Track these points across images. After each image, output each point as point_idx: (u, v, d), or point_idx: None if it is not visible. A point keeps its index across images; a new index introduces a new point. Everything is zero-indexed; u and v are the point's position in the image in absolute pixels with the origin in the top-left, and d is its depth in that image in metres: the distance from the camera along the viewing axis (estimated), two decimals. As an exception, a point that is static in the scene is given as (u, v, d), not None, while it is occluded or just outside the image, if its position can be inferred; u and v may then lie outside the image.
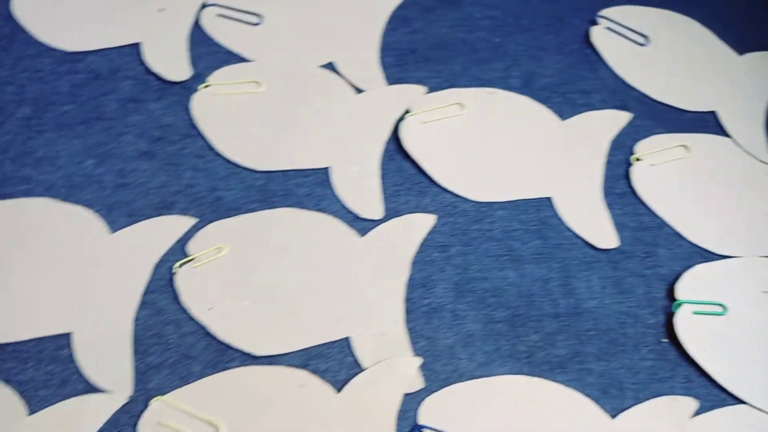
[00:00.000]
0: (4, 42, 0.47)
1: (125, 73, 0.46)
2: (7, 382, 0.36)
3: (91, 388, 0.36)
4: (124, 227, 0.40)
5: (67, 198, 0.41)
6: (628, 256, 0.41)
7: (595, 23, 0.51)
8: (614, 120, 0.46)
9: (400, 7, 0.50)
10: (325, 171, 0.43)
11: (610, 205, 0.42)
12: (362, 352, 0.37)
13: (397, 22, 0.50)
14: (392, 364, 0.37)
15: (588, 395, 0.36)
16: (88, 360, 0.37)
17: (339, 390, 0.36)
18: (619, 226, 0.42)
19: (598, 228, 0.41)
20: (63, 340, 0.37)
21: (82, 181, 0.42)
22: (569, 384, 0.37)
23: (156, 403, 0.36)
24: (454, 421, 0.36)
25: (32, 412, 0.35)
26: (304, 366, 0.37)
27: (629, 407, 0.36)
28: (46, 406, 0.35)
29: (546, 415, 0.36)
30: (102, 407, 0.36)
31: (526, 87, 0.47)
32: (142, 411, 0.35)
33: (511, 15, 0.51)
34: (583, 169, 0.44)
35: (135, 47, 0.47)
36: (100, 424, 0.35)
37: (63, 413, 0.35)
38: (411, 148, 0.43)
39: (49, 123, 0.44)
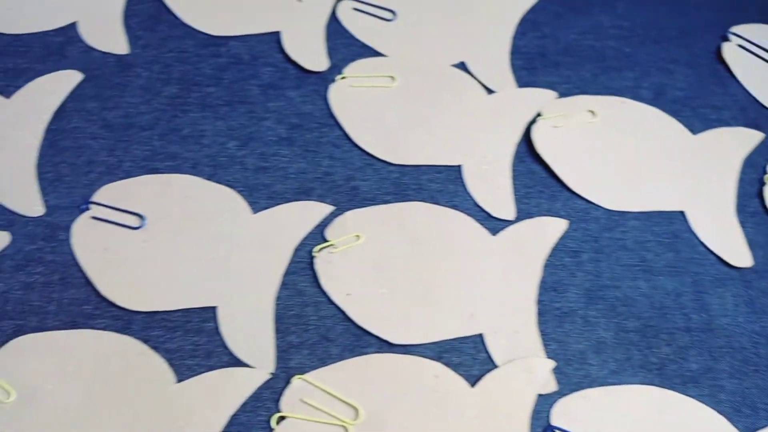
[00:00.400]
0: (150, 22, 0.49)
1: (265, 60, 0.47)
2: (155, 349, 0.38)
3: (234, 362, 0.38)
4: (265, 209, 0.42)
5: (211, 177, 0.43)
6: (761, 276, 0.41)
7: (726, 39, 0.51)
8: (746, 138, 0.46)
9: (530, 11, 0.51)
10: (457, 168, 0.44)
11: (743, 224, 0.43)
12: (496, 349, 0.38)
13: (527, 26, 0.50)
14: (528, 364, 0.38)
15: (720, 412, 0.37)
16: (231, 334, 0.38)
17: (473, 384, 0.37)
18: (752, 245, 0.42)
19: (731, 245, 0.42)
20: (208, 313, 0.39)
21: (225, 162, 0.43)
22: (701, 399, 0.37)
23: (298, 381, 0.37)
24: (585, 425, 0.36)
25: (180, 380, 0.37)
26: (437, 358, 0.38)
27: (762, 427, 0.37)
28: (192, 375, 0.37)
29: (678, 428, 0.36)
30: (246, 381, 0.37)
31: (657, 99, 0.47)
32: (283, 388, 0.37)
33: (640, 25, 0.51)
34: (715, 185, 0.44)
35: (274, 35, 0.49)
36: (245, 398, 0.37)
37: (209, 384, 0.37)
38: (543, 151, 0.44)
39: (194, 103, 0.45)
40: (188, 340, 0.38)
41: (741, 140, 0.46)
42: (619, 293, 0.40)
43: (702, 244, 0.42)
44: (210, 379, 0.37)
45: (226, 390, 0.37)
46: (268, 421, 0.36)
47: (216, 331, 0.38)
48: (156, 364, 0.38)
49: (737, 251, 0.41)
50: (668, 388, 0.37)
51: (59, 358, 0.37)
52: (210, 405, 0.36)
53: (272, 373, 0.37)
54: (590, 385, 0.37)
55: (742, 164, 0.45)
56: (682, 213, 0.43)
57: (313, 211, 0.42)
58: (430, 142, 0.45)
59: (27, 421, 0.36)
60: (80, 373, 0.37)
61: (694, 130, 0.46)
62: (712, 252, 0.41)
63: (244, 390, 0.37)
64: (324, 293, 0.40)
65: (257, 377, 0.37)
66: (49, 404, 0.36)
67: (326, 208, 0.42)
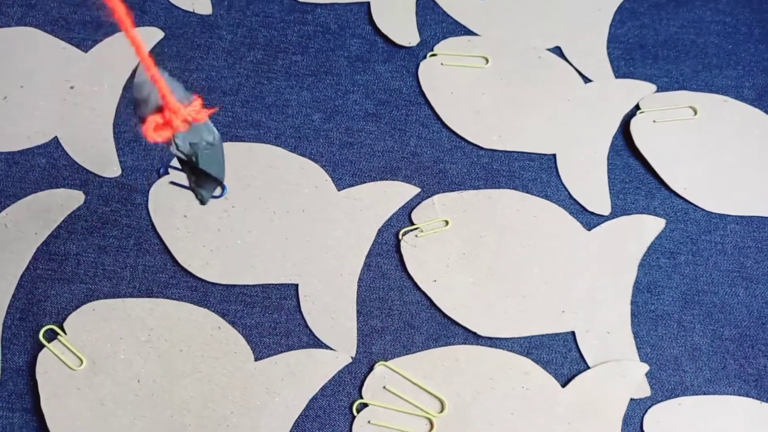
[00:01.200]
0: (235, -16, 0.47)
1: (353, 31, 0.46)
2: (233, 324, 0.37)
3: (314, 343, 0.37)
4: (350, 186, 0.41)
5: (295, 148, 0.42)
6: None
7: (833, 41, 0.49)
8: None
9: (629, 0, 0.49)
10: (551, 157, 0.42)
11: None
12: (587, 349, 0.37)
13: (625, 14, 0.48)
14: (622, 366, 0.36)
15: (821, 430, 0.36)
16: (312, 314, 0.37)
17: (564, 384, 0.36)
18: None
19: (835, 258, 0.40)
20: (289, 291, 0.38)
21: (310, 134, 0.42)
22: (802, 416, 0.36)
23: (381, 368, 0.36)
24: (679, 433, 0.35)
25: (258, 357, 0.36)
26: (526, 354, 0.37)
27: None
28: (271, 354, 0.36)
29: (776, 443, 0.35)
30: (328, 364, 0.36)
31: (760, 99, 0.45)
32: (365, 373, 0.36)
33: (744, 23, 0.49)
34: (820, 194, 0.42)
35: (364, 6, 0.47)
36: (326, 380, 0.36)
37: (290, 363, 0.36)
38: (642, 146, 0.42)
39: (279, 71, 0.44)
40: (267, 317, 0.37)
41: None
42: (716, 299, 0.39)
43: (806, 254, 0.40)
44: (291, 359, 0.36)
45: (307, 372, 0.36)
46: (350, 407, 0.35)
47: (296, 310, 0.37)
48: (234, 339, 0.37)
49: (843, 265, 0.40)
50: (765, 401, 0.36)
51: (132, 327, 0.37)
52: (290, 386, 0.36)
53: (353, 358, 0.37)
54: (684, 393, 0.36)
55: None
56: (785, 220, 0.41)
57: (400, 191, 0.41)
58: (523, 128, 0.43)
59: (97, 390, 0.35)
60: (154, 343, 0.36)
61: (798, 134, 0.44)
62: (815, 263, 0.40)
63: (325, 373, 0.36)
64: (409, 278, 0.39)
65: (339, 360, 0.36)
66: (120, 374, 0.35)
67: (412, 190, 0.41)
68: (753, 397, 0.36)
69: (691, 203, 0.41)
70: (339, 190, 0.40)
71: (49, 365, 0.35)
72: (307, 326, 0.37)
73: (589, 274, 0.39)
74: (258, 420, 0.35)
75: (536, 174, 0.42)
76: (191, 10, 0.46)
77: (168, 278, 0.38)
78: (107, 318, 0.37)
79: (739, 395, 0.36)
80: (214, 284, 0.38)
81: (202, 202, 0.31)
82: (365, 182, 0.41)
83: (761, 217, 0.41)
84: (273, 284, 0.38)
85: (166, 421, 0.35)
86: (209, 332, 0.37)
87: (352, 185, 0.41)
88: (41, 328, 0.36)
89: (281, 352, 0.36)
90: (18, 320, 0.36)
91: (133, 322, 0.37)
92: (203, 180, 0.30)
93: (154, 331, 0.37)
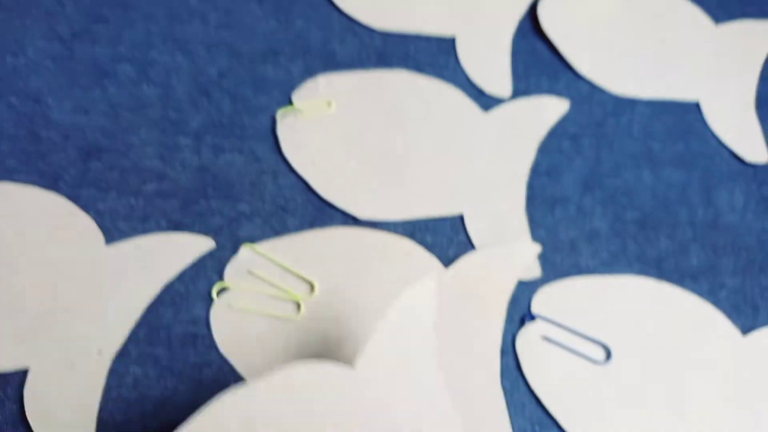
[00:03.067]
0: None
1: None
2: (85, 209, 0.34)
3: (173, 227, 0.34)
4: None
5: (168, 31, 0.39)
6: (778, 174, 0.38)
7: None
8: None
9: None
10: (450, 41, 0.40)
11: (762, 119, 0.39)
12: (475, 231, 0.35)
13: None
14: (510, 247, 0.34)
15: (719, 309, 0.34)
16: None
17: (447, 266, 0.34)
18: (771, 143, 0.39)
19: (747, 140, 0.38)
20: (150, 174, 0.35)
21: (183, 15, 0.39)
22: (700, 295, 0.34)
23: (246, 250, 0.34)
24: (569, 314, 0.33)
25: (109, 241, 0.34)
26: (409, 236, 0.35)
27: (762, 326, 0.33)
28: (124, 239, 0.34)
29: (671, 321, 0.33)
30: (187, 248, 0.34)
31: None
32: (229, 257, 0.34)
33: None
34: (735, 78, 0.40)
35: None
36: (183, 266, 0.33)
37: (144, 247, 0.34)
38: (548, 27, 0.40)
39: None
40: (123, 201, 0.35)
41: (766, 33, 0.42)
42: (619, 182, 0.36)
43: (715, 137, 0.38)
44: (145, 242, 0.34)
45: (163, 256, 0.34)
46: (209, 292, 0.33)
47: (156, 195, 0.35)
48: (84, 224, 0.34)
49: (753, 147, 0.38)
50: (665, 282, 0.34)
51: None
52: (143, 270, 0.33)
53: (216, 242, 0.34)
54: (578, 275, 0.34)
55: (765, 58, 0.41)
56: (696, 104, 0.39)
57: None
58: (421, 8, 0.40)
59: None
60: (-1, 230, 0.34)
61: (717, 20, 0.42)
62: (725, 146, 0.38)
63: (183, 257, 0.33)
64: (284, 161, 0.36)
65: (199, 244, 0.34)
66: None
67: (294, 70, 0.38)
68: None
69: (597, 86, 0.39)
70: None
71: None
72: (165, 212, 0.35)
73: (484, 157, 0.36)
74: (106, 307, 0.32)
75: (433, 57, 0.39)
76: None
77: (16, 164, 0.35)
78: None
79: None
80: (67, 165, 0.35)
81: None
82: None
83: (673, 101, 0.39)
84: (134, 166, 0.36)
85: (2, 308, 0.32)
86: (59, 219, 0.34)
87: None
88: None
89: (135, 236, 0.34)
90: None
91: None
92: None
93: (-4, 216, 0.34)
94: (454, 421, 0.29)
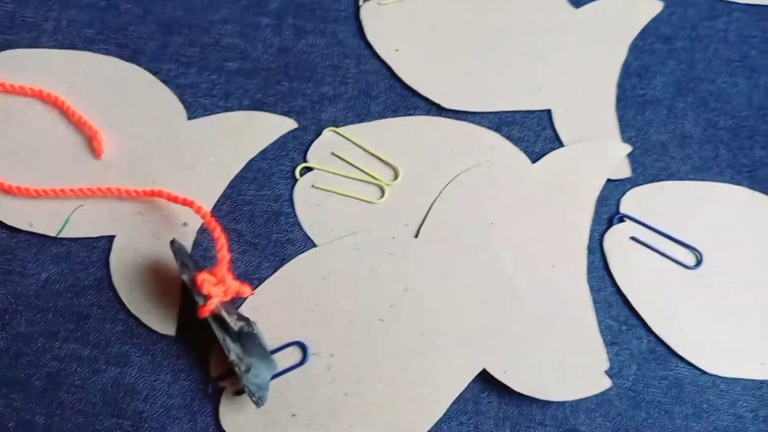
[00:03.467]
0: None
1: None
2: (165, 83, 0.34)
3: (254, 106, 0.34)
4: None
5: None
6: None
7: None
8: None
9: None
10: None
11: None
12: (564, 127, 0.34)
13: None
14: (599, 145, 0.33)
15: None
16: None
17: (534, 161, 0.33)
18: None
19: None
20: (231, 52, 0.34)
21: None
22: (795, 209, 0.33)
23: (329, 133, 0.33)
24: (658, 217, 0.32)
25: (192, 117, 0.33)
26: (495, 129, 0.34)
27: None
28: (206, 115, 0.33)
29: (763, 231, 0.32)
30: (271, 127, 0.33)
31: None
32: (312, 140, 0.33)
33: None
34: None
35: None
36: (267, 143, 0.33)
37: (227, 124, 0.33)
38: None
39: None
40: (205, 77, 0.34)
41: None
42: (713, 87, 0.35)
43: (817, 45, 0.37)
44: (228, 120, 0.33)
45: (246, 133, 0.33)
46: (292, 171, 0.32)
47: (237, 73, 0.34)
48: (166, 98, 0.34)
49: None
50: (759, 192, 0.33)
51: (54, 79, 0.33)
52: (226, 146, 0.32)
53: (300, 124, 0.33)
54: (669, 179, 0.33)
55: None
56: (798, 10, 0.37)
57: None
58: None
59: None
60: (75, 96, 0.33)
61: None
62: (828, 55, 0.37)
63: (267, 136, 0.33)
64: (368, 46, 0.35)
65: (283, 124, 0.33)
66: (34, 121, 0.32)
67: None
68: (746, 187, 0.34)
69: (694, -13, 0.38)
70: (295, -49, 0.36)
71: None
72: (247, 91, 0.34)
73: (573, 54, 0.35)
74: (188, 180, 0.32)
75: (521, -52, 0.38)
76: None
77: (94, 34, 0.35)
78: (24, 68, 0.34)
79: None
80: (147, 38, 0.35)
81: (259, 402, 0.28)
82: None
83: (770, 6, 0.38)
84: (215, 43, 0.35)
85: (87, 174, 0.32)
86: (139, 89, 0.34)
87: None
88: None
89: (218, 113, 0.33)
90: None
91: (55, 73, 0.34)
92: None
93: (75, 84, 0.33)
94: (514, 294, 0.30)
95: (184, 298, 0.30)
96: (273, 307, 0.30)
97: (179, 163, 0.32)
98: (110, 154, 0.32)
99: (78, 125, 0.32)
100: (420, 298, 0.30)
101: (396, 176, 0.32)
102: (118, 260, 0.30)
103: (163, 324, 0.30)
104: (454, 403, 0.29)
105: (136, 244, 0.31)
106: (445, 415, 0.29)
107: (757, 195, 0.33)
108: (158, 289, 0.30)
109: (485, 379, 0.29)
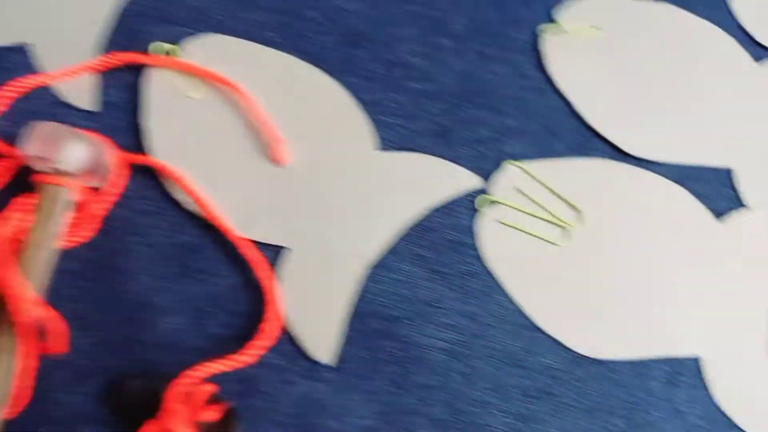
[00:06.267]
0: None
1: None
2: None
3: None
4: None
5: None
6: None
7: None
8: None
9: None
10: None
11: None
12: (747, 188, 0.34)
13: None
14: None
15: None
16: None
17: (718, 217, 0.33)
18: None
19: None
20: (414, 71, 0.34)
21: None
22: None
23: (512, 167, 0.33)
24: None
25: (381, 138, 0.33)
26: (676, 181, 0.34)
27: None
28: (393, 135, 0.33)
29: None
30: (455, 180, 0.33)
31: None
32: (491, 169, 0.33)
33: None
34: None
35: None
36: (448, 197, 0.32)
37: (415, 167, 0.33)
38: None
39: None
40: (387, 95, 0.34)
41: None
42: None
43: None
44: (416, 163, 0.33)
45: (431, 180, 0.32)
46: (473, 201, 0.32)
47: (420, 94, 0.34)
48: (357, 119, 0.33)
49: None
50: None
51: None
52: (407, 190, 0.32)
53: (479, 152, 0.33)
54: None
55: None
56: None
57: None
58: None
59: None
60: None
61: None
62: None
63: (450, 188, 0.32)
64: (548, 80, 0.35)
65: (468, 180, 0.33)
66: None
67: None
68: None
69: None
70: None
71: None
72: (431, 114, 0.34)
73: (755, 111, 0.35)
74: (369, 212, 0.31)
75: (704, -4, 0.38)
76: None
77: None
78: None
79: None
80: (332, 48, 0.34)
81: None
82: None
83: None
84: (398, 61, 0.34)
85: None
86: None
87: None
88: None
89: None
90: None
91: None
92: None
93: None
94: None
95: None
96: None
97: (364, 193, 0.32)
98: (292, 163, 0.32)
99: (263, 127, 0.32)
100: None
101: (580, 219, 0.32)
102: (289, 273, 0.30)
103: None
104: None
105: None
106: None
107: None
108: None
109: None
